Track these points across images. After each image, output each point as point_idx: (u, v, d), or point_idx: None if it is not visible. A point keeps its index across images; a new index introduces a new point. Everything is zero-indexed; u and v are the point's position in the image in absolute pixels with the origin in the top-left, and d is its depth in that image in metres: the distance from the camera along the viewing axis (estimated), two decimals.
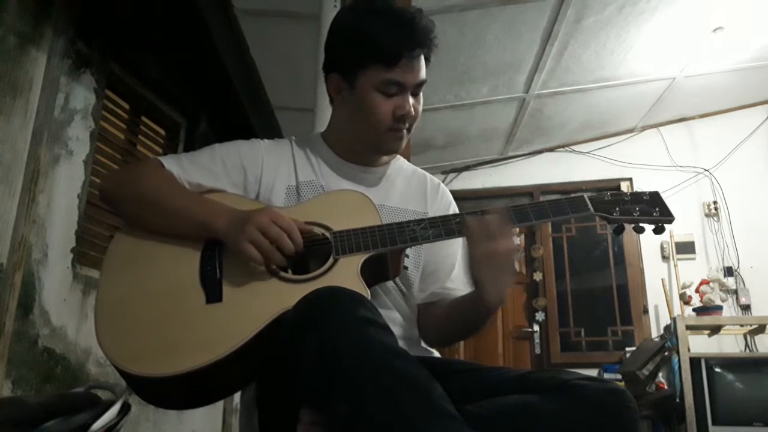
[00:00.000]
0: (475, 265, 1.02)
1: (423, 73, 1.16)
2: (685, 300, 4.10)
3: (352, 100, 1.17)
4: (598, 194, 1.10)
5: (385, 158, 1.30)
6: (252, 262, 0.99)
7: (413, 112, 1.15)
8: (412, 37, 1.12)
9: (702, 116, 4.61)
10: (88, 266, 2.56)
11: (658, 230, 1.09)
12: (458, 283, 1.24)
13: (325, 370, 0.79)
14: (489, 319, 1.11)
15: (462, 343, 4.62)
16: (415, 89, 1.16)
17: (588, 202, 1.08)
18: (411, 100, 1.15)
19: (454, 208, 1.32)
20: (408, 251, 1.17)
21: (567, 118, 4.42)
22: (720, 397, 3.45)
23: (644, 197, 1.10)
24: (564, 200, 1.08)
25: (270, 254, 0.99)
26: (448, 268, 1.25)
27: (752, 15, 3.37)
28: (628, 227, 1.10)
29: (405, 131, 1.17)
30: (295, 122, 3.51)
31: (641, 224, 1.09)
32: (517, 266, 4.69)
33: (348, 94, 1.17)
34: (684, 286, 4.15)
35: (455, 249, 1.26)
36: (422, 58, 1.15)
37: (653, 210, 1.08)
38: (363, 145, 1.21)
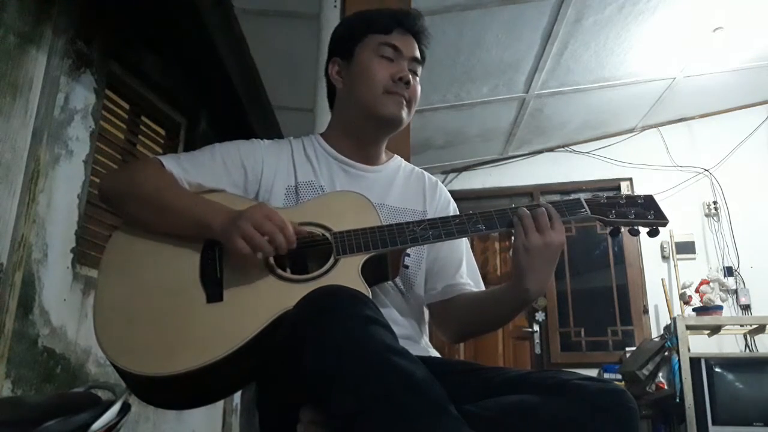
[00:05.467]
0: (522, 256, 1.04)
1: (418, 53, 1.24)
2: (685, 300, 4.10)
3: (351, 74, 1.22)
4: (594, 197, 1.13)
5: (383, 156, 1.30)
6: (243, 257, 0.98)
7: (410, 79, 1.19)
8: (403, 16, 1.23)
9: (702, 116, 4.61)
10: (88, 266, 2.56)
11: (653, 233, 1.11)
12: (467, 278, 1.26)
13: (326, 369, 0.79)
14: (524, 310, 1.14)
15: (462, 343, 4.62)
16: (411, 64, 1.22)
17: (585, 204, 1.10)
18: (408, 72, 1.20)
19: (453, 206, 1.33)
20: (409, 250, 1.17)
21: (567, 118, 4.42)
22: (720, 397, 3.45)
23: (639, 200, 1.12)
24: (561, 203, 1.10)
25: (262, 250, 0.98)
26: (455, 264, 1.26)
27: (752, 15, 3.37)
28: (624, 229, 1.12)
29: (404, 101, 1.20)
30: (295, 122, 3.51)
31: (636, 227, 1.11)
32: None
33: (347, 71, 1.23)
34: (684, 286, 4.15)
35: (460, 245, 1.27)
36: (414, 42, 1.24)
37: (648, 213, 1.10)
38: (362, 121, 1.22)
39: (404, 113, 1.20)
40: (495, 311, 1.16)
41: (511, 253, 1.06)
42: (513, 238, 1.07)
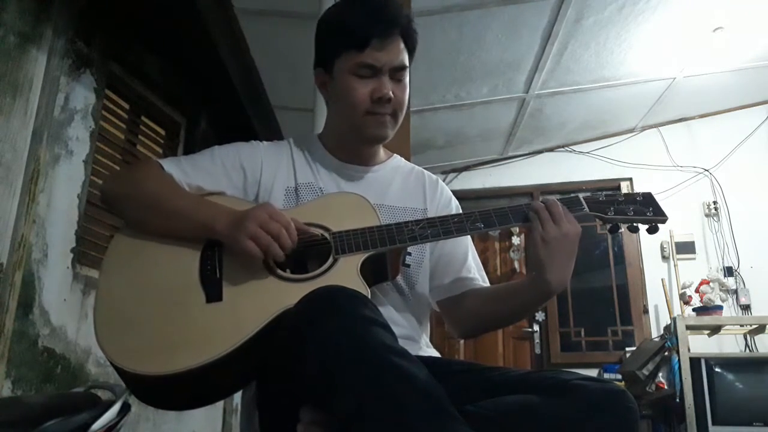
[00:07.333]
0: (541, 248, 1.04)
1: (401, 58, 1.16)
2: (685, 300, 4.10)
3: (334, 90, 1.19)
4: (593, 194, 1.13)
5: (382, 156, 1.30)
6: (252, 258, 0.99)
7: (391, 95, 1.14)
8: (380, 19, 1.13)
9: (702, 116, 4.61)
10: (88, 266, 2.56)
11: (652, 230, 1.12)
12: (474, 272, 1.26)
13: (325, 369, 0.79)
14: (544, 303, 1.14)
15: (462, 342, 4.62)
16: (394, 74, 1.15)
17: (583, 201, 1.11)
18: (389, 84, 1.14)
19: (455, 203, 1.32)
20: (411, 249, 1.17)
21: (567, 118, 4.42)
22: (720, 397, 3.45)
23: (637, 198, 1.13)
24: (560, 200, 1.09)
25: (269, 249, 0.98)
26: (461, 258, 1.26)
27: (752, 15, 3.37)
28: (623, 227, 1.13)
29: (388, 116, 1.16)
30: (295, 122, 3.51)
31: (635, 224, 1.12)
32: (518, 266, 4.72)
33: (330, 86, 1.20)
34: (684, 286, 4.15)
35: (464, 240, 1.27)
36: (399, 42, 1.15)
37: (647, 210, 1.11)
38: (349, 135, 1.21)
39: (388, 130, 1.18)
40: (514, 306, 1.16)
41: (524, 250, 1.05)
42: (528, 232, 1.08)
